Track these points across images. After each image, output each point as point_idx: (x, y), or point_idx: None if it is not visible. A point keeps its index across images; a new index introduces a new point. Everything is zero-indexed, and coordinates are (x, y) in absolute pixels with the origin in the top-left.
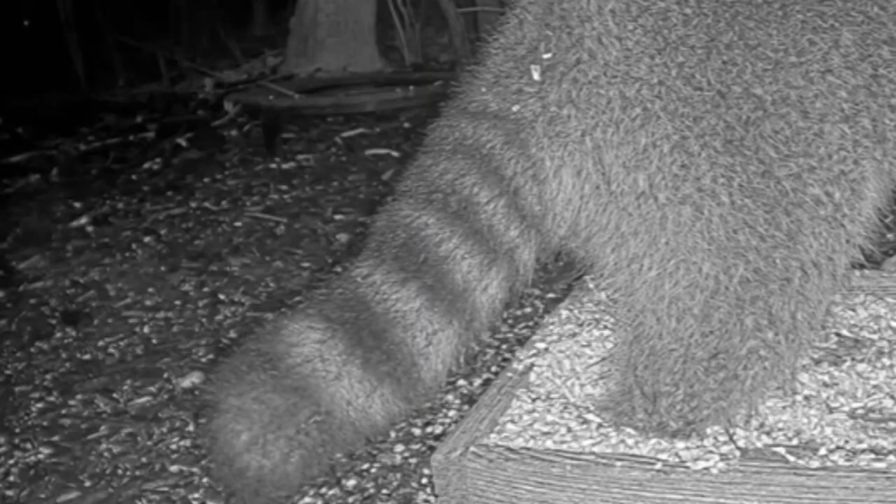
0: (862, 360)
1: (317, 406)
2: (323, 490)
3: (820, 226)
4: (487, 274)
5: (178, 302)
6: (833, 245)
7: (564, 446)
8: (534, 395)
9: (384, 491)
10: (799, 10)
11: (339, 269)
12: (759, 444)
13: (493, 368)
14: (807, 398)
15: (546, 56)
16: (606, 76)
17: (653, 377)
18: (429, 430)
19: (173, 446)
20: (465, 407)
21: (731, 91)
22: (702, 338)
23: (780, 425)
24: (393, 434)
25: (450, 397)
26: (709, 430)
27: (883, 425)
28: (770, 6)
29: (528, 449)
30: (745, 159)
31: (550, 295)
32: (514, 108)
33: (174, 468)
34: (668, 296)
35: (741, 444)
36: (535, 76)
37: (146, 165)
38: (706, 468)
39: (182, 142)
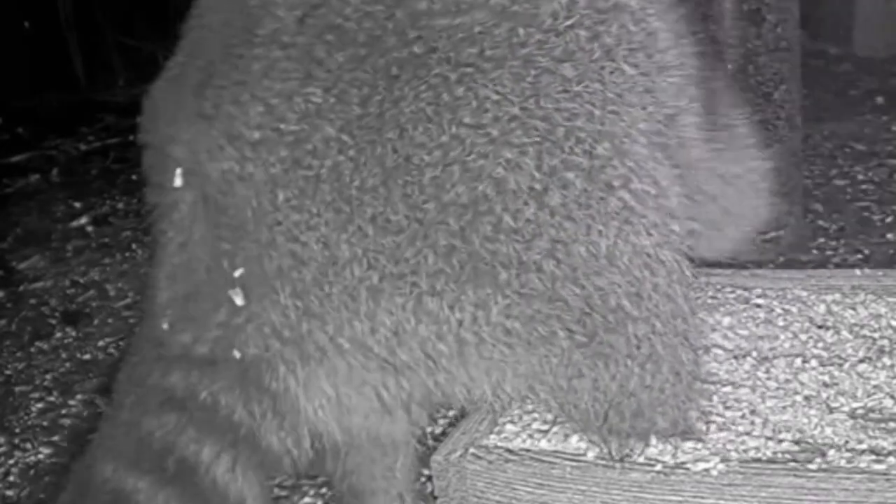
0: (862, 360)
1: None
2: (323, 490)
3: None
4: None
5: None
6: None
7: (564, 447)
8: None
9: None
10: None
11: None
12: (758, 445)
13: None
14: (807, 398)
15: (237, 273)
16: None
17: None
18: (429, 429)
19: None
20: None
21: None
22: (587, 406)
23: (781, 425)
24: None
25: None
26: (712, 435)
27: (883, 425)
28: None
29: (528, 450)
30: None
31: None
32: (236, 355)
33: None
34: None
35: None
36: (238, 301)
37: None
38: (706, 470)
39: None
